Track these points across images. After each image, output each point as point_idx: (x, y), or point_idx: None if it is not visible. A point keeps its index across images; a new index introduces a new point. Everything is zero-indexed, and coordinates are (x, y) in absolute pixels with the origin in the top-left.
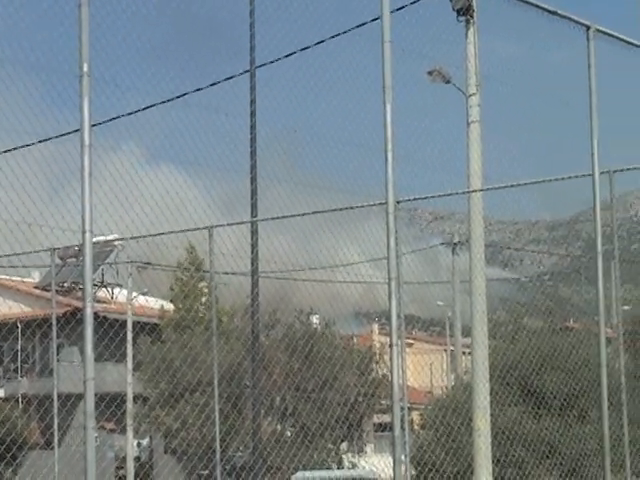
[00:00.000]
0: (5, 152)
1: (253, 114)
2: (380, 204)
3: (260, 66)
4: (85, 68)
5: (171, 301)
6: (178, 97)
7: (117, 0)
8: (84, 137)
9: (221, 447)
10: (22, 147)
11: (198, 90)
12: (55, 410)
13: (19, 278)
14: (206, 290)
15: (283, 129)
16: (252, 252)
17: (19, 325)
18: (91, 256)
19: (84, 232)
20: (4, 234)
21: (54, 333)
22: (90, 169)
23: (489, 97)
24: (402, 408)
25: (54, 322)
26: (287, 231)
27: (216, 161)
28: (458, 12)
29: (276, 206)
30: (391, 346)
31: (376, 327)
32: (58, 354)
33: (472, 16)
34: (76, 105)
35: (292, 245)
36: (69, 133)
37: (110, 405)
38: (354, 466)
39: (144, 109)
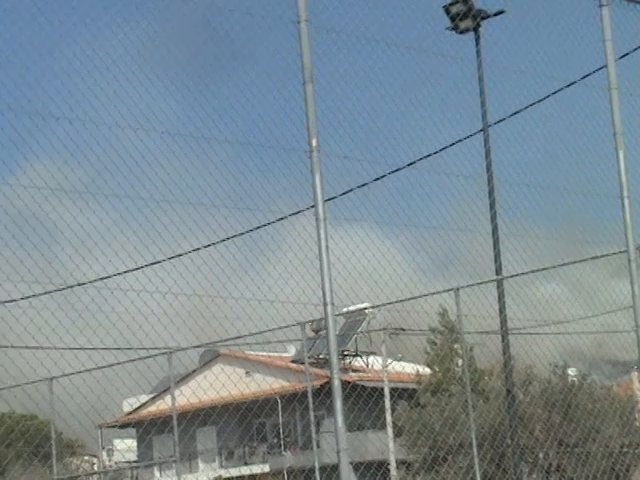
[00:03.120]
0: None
1: (488, 169)
2: (620, 252)
3: (491, 125)
4: (314, 143)
5: (427, 365)
6: (409, 165)
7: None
8: (318, 211)
9: None
10: (257, 228)
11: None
12: None
13: (276, 353)
14: (460, 351)
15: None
16: (500, 311)
17: (279, 400)
18: (334, 328)
19: (325, 304)
20: (253, 310)
21: (310, 405)
22: (327, 242)
23: None
24: None
25: (310, 394)
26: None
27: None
28: None
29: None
30: None
31: (636, 375)
32: (319, 425)
33: None
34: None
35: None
36: (303, 210)
37: (376, 473)
38: None
39: (375, 180)
